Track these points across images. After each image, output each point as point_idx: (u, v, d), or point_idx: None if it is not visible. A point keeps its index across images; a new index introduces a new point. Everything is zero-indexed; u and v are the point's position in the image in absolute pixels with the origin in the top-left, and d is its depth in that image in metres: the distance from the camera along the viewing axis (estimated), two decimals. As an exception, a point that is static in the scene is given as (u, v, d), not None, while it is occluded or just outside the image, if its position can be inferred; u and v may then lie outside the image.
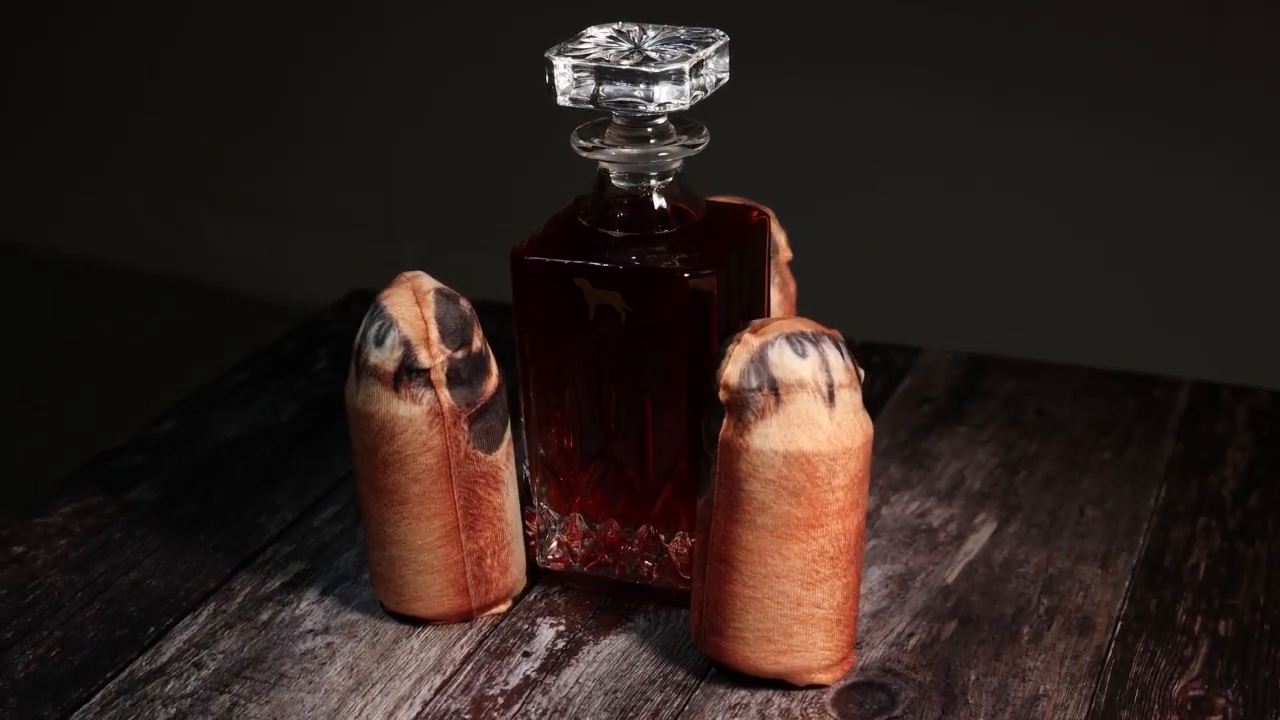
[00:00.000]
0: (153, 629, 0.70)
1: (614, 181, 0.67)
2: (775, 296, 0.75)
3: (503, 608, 0.70)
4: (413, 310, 0.65)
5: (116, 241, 2.30)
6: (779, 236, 0.75)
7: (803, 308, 0.80)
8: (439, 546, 0.67)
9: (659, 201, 0.67)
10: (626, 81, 0.64)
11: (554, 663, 0.67)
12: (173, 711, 0.64)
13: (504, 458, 0.68)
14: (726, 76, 0.67)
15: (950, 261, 1.73)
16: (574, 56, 0.65)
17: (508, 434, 0.68)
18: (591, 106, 0.65)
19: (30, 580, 0.74)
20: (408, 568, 0.68)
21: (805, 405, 0.61)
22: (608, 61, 0.64)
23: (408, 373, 0.65)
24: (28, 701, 0.65)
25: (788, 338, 0.61)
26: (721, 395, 0.62)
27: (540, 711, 0.64)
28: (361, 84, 2.09)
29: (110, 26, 2.26)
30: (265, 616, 0.70)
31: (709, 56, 0.65)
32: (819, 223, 1.73)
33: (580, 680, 0.66)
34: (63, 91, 2.32)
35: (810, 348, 0.61)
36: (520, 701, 0.64)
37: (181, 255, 2.25)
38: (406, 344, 0.65)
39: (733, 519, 0.62)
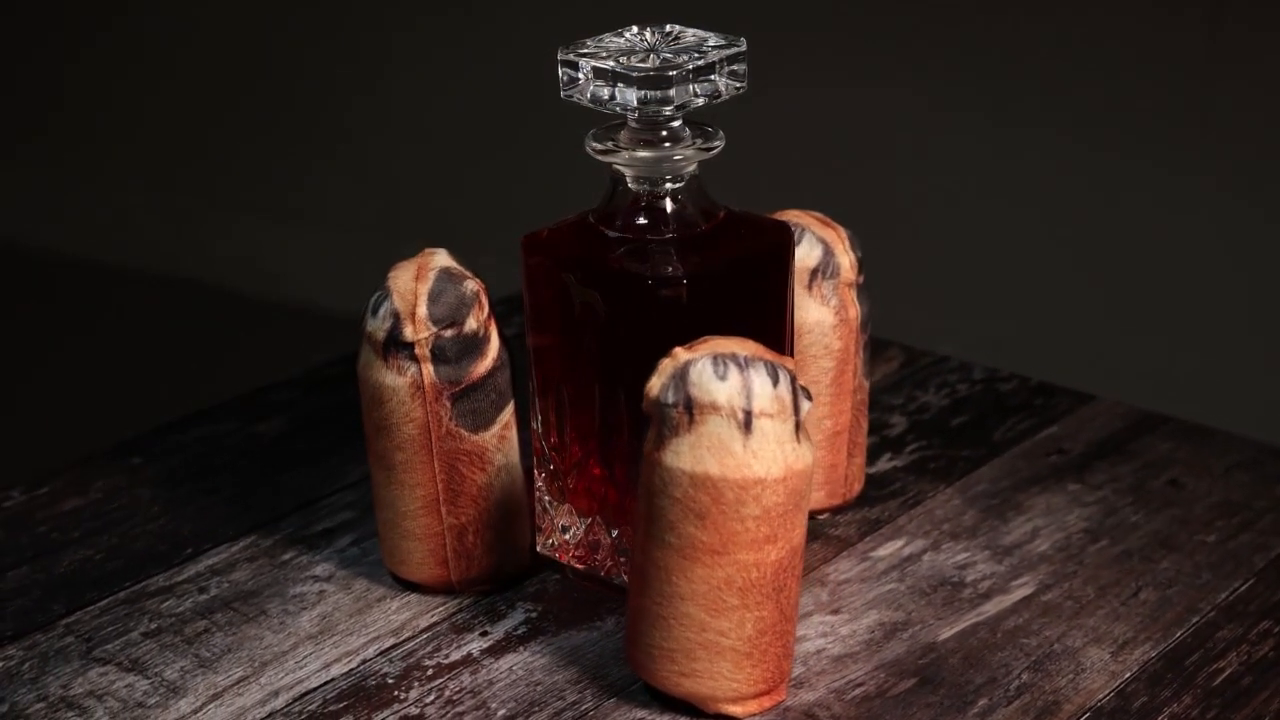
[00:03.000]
0: (189, 550, 0.75)
1: (626, 183, 0.67)
2: (829, 319, 0.72)
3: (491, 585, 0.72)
4: (410, 285, 0.67)
5: (116, 241, 2.32)
6: (843, 259, 0.73)
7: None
8: (420, 515, 0.69)
9: (662, 206, 0.66)
10: (614, 83, 0.64)
11: (502, 646, 0.68)
12: (153, 627, 0.70)
13: (495, 440, 0.69)
14: (744, 85, 0.66)
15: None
16: (575, 54, 0.65)
17: (503, 417, 0.69)
18: (590, 106, 0.65)
19: (127, 488, 0.80)
20: (394, 531, 0.70)
21: (717, 429, 0.59)
22: (618, 63, 0.64)
23: (394, 344, 0.67)
24: (47, 595, 0.72)
25: (714, 358, 0.60)
26: (644, 406, 0.61)
27: (458, 689, 0.65)
28: (364, 84, 2.08)
29: (112, 27, 2.29)
30: (286, 556, 0.74)
31: (715, 63, 0.64)
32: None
33: (513, 667, 0.66)
34: (63, 92, 2.36)
35: (734, 371, 0.60)
36: (445, 677, 0.66)
37: (181, 255, 2.27)
38: (395, 316, 0.67)
39: (646, 533, 0.62)
